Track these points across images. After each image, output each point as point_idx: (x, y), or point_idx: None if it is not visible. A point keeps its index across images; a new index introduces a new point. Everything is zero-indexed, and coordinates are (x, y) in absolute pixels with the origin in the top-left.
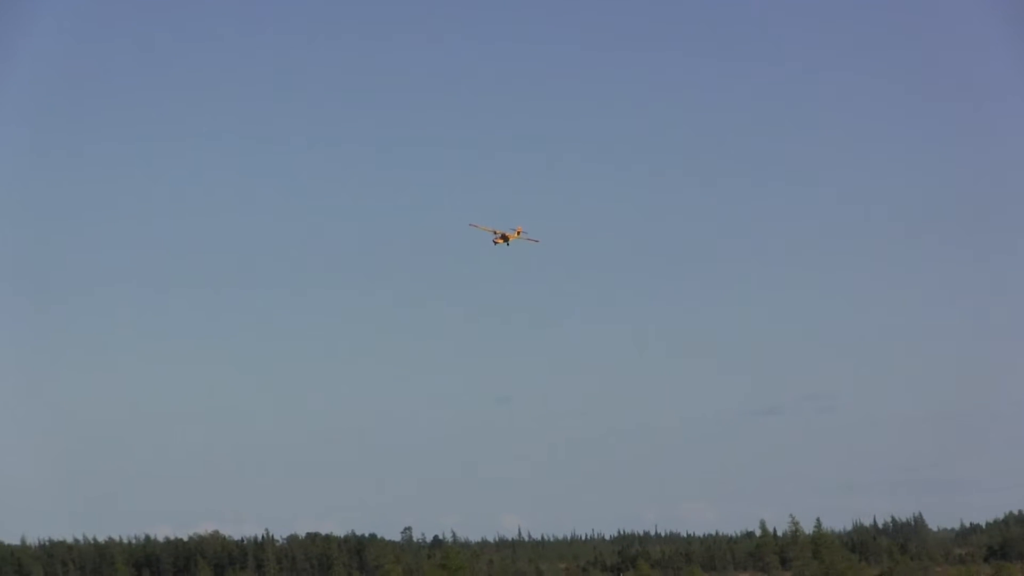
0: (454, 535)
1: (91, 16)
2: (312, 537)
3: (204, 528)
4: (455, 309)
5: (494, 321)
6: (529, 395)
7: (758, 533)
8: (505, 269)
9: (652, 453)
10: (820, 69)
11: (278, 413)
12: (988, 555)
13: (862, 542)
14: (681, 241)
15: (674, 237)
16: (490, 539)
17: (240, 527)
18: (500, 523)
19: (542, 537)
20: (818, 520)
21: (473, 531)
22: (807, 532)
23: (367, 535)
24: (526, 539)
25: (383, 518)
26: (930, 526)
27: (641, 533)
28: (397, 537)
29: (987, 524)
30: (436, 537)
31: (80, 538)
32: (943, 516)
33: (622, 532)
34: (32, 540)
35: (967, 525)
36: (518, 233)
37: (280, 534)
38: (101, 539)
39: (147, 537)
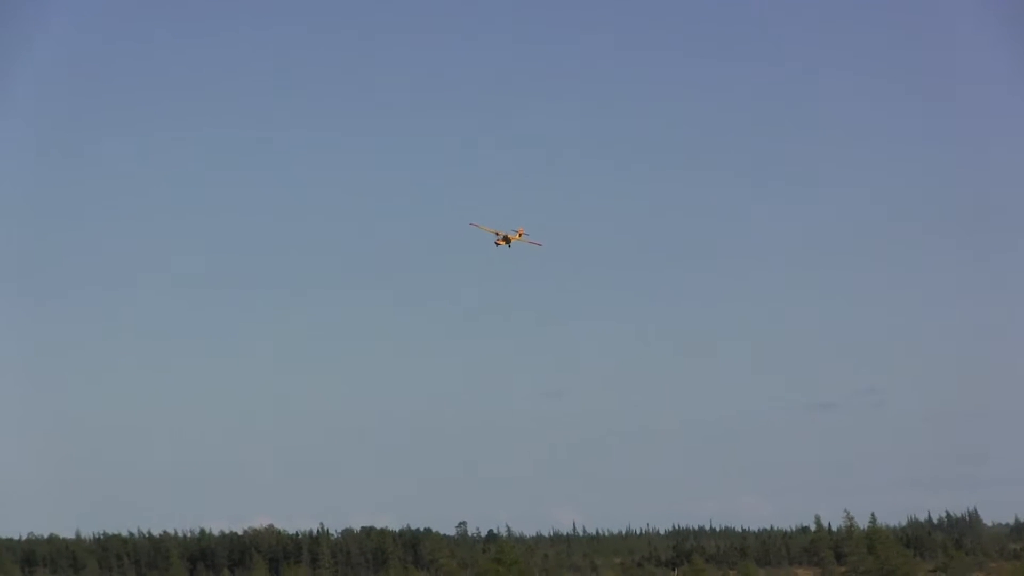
0: (509, 529)
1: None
2: (367, 531)
3: (259, 522)
4: (503, 303)
5: (539, 315)
6: (580, 389)
7: (813, 528)
8: (540, 263)
9: (707, 448)
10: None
11: (333, 407)
12: None
13: (917, 537)
14: (713, 238)
15: (705, 234)
16: (545, 534)
17: (295, 521)
18: (555, 518)
19: (597, 532)
20: (873, 515)
21: (528, 525)
22: (862, 527)
23: (422, 529)
24: (581, 534)
25: (438, 512)
26: (985, 521)
27: (696, 528)
28: (452, 531)
29: None
30: (491, 531)
31: (135, 532)
32: (998, 511)
33: (677, 527)
34: (87, 534)
35: (1022, 520)
36: (519, 235)
37: (335, 528)
38: (156, 533)
39: (202, 531)
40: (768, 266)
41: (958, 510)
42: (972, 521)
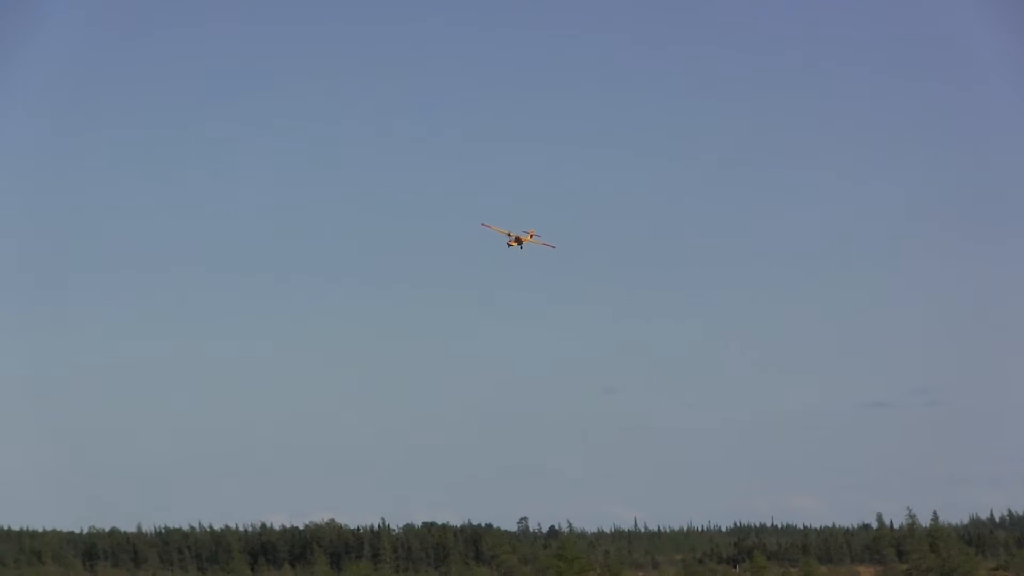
0: (570, 526)
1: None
2: (428, 526)
3: (320, 517)
4: (561, 298)
5: (597, 311)
6: (639, 386)
7: (875, 526)
8: (593, 262)
9: (768, 445)
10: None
11: (396, 403)
12: None
13: (979, 535)
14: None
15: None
16: (606, 530)
17: (356, 516)
18: (616, 514)
19: (658, 528)
20: (935, 513)
21: (589, 522)
22: (924, 525)
23: (483, 525)
24: (642, 530)
25: (499, 508)
26: None
27: (757, 525)
28: (513, 527)
29: None
30: (552, 527)
31: (196, 526)
32: None
33: (738, 524)
34: (148, 528)
35: None
36: (531, 236)
37: (396, 523)
38: (217, 527)
39: (263, 525)
40: (823, 262)
41: (1020, 508)
42: None
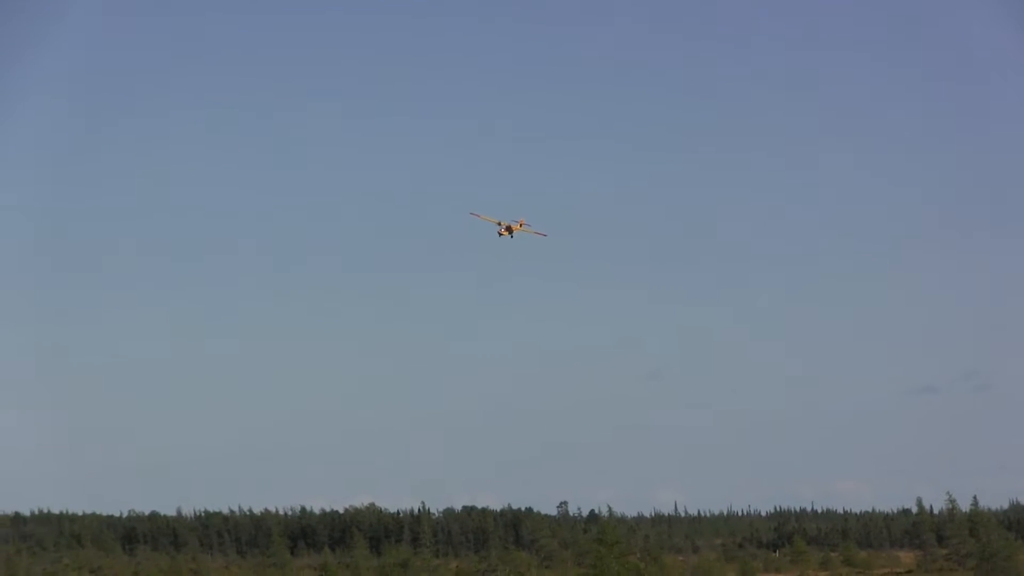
0: (610, 510)
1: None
2: (468, 510)
3: (360, 501)
4: (603, 283)
5: (645, 294)
6: (681, 371)
7: (914, 511)
8: (641, 247)
9: (809, 430)
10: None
11: (434, 387)
12: None
13: (1019, 520)
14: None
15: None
16: (646, 514)
17: (396, 500)
18: (656, 498)
19: (698, 513)
20: (975, 498)
21: (629, 506)
22: (963, 510)
23: (523, 509)
24: (682, 515)
25: (539, 492)
26: None
27: (797, 510)
28: (553, 511)
29: None
30: (592, 512)
31: (236, 509)
32: None
33: (778, 508)
34: (188, 511)
35: None
36: (520, 225)
37: (436, 507)
38: (257, 511)
39: (303, 509)
40: (869, 245)
41: None
42: None
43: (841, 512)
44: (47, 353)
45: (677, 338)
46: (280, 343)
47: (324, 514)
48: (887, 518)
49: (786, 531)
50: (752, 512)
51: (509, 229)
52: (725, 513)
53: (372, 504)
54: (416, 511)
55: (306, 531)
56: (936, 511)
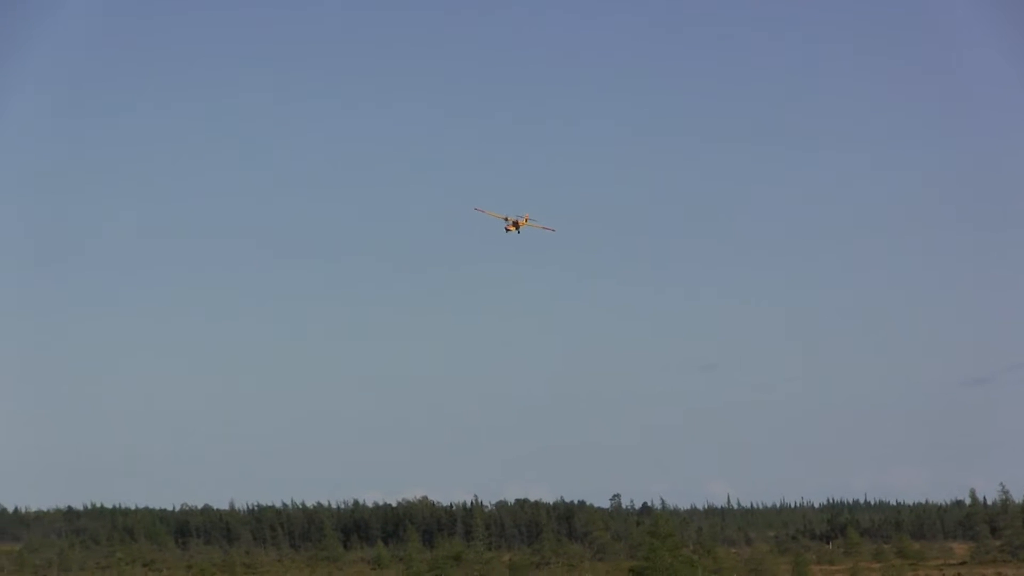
0: (663, 502)
1: None
2: (521, 503)
3: (413, 494)
4: (656, 276)
5: (692, 289)
6: (735, 363)
7: (968, 502)
8: (699, 240)
9: (862, 421)
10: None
11: (489, 381)
12: None
13: None
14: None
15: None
16: (699, 507)
17: (449, 493)
18: (709, 491)
19: (751, 505)
20: None
21: (682, 499)
22: (1017, 501)
23: (576, 502)
24: (735, 507)
25: (592, 485)
26: None
27: (850, 501)
28: (606, 504)
29: None
30: (645, 504)
31: (289, 503)
32: None
33: (831, 500)
34: (241, 505)
35: None
36: (526, 220)
37: (489, 500)
38: (310, 504)
39: (356, 502)
40: (920, 237)
41: None
42: None
43: (894, 504)
44: (96, 350)
45: (729, 330)
46: (335, 340)
47: (377, 508)
48: (940, 509)
49: (839, 523)
50: (805, 504)
51: (516, 224)
52: (778, 505)
53: (425, 497)
54: (469, 504)
55: (359, 525)
56: (989, 502)
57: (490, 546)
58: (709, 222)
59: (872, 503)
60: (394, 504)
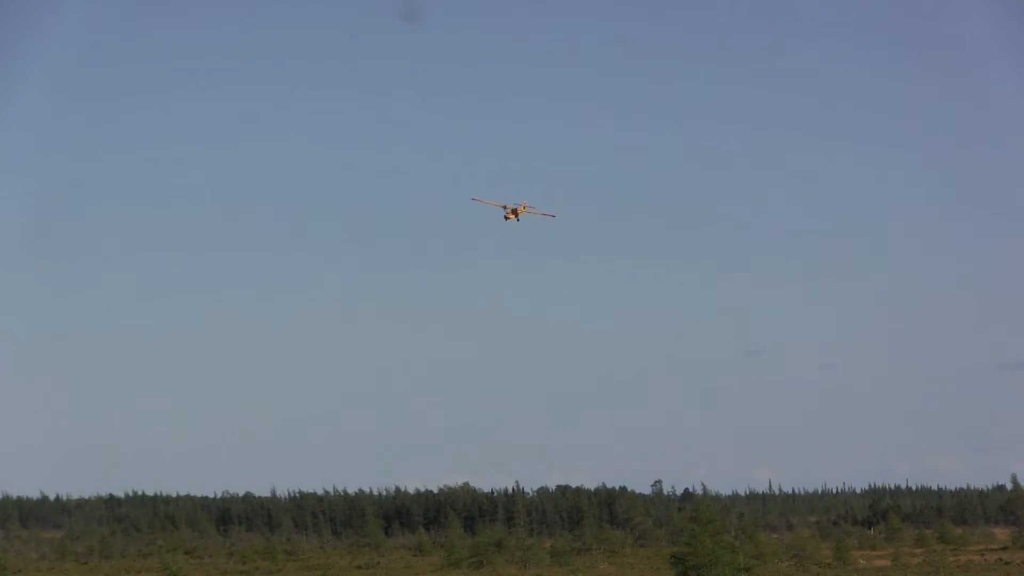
0: (704, 488)
1: None
2: (562, 490)
3: (454, 480)
4: (703, 262)
5: (740, 276)
6: (779, 348)
7: (1009, 487)
8: (740, 227)
9: (903, 406)
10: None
11: (528, 367)
12: None
13: None
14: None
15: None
16: (741, 492)
17: (490, 479)
18: (751, 476)
19: (793, 490)
20: None
21: (723, 484)
22: None
23: (617, 488)
24: (776, 493)
25: (634, 471)
26: None
27: (892, 487)
28: (647, 490)
29: None
30: (686, 490)
31: (330, 490)
32: None
33: (873, 486)
34: (282, 492)
35: None
36: (524, 207)
37: (530, 487)
38: (351, 491)
39: (397, 489)
40: (955, 222)
41: None
42: None
43: (936, 489)
44: (138, 337)
45: (772, 316)
46: (375, 321)
47: (418, 494)
48: (982, 495)
49: (881, 508)
50: (847, 489)
51: (515, 212)
52: (820, 491)
53: (466, 484)
54: (510, 490)
55: (400, 511)
56: None
57: (531, 532)
58: (748, 208)
59: (914, 488)
60: (435, 491)
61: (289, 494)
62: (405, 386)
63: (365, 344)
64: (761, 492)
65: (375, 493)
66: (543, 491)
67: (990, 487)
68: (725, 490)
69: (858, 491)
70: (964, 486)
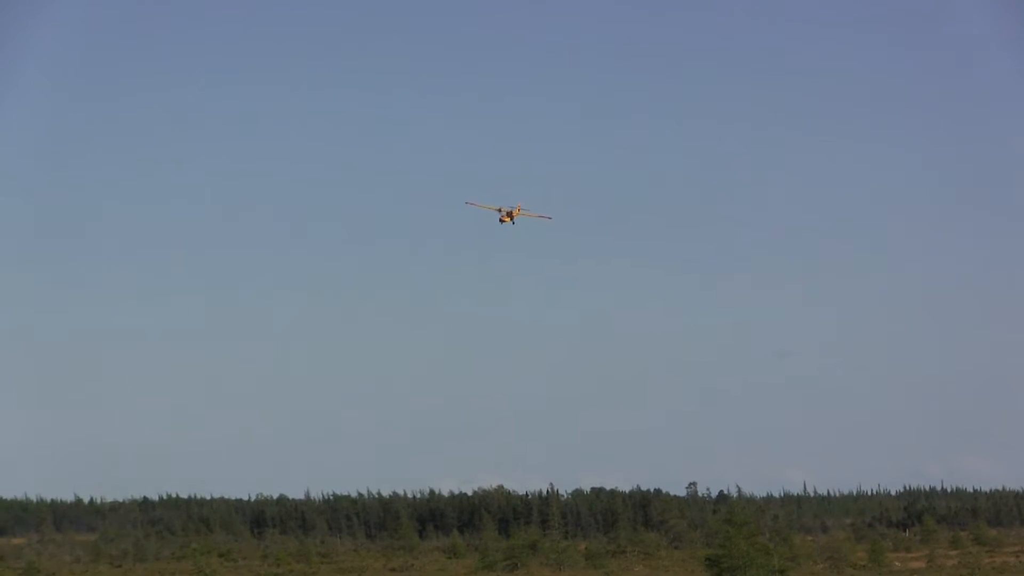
0: (739, 490)
1: None
2: (597, 492)
3: (489, 483)
4: (733, 263)
5: (767, 276)
6: (811, 349)
7: None
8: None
9: (938, 407)
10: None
11: (561, 368)
12: None
13: None
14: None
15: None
16: (775, 494)
17: (525, 482)
18: (785, 478)
19: (827, 492)
20: None
21: (758, 486)
22: None
23: (652, 490)
24: (811, 494)
25: (668, 473)
26: None
27: (927, 488)
28: (682, 492)
29: None
30: (721, 492)
31: (364, 493)
32: None
33: (908, 487)
34: (316, 495)
35: None
36: (519, 210)
37: (565, 489)
38: (385, 494)
39: (431, 492)
40: (985, 220)
41: None
42: None
43: (971, 491)
44: (172, 339)
45: (804, 317)
46: (409, 325)
47: (453, 497)
48: (1017, 496)
49: (916, 510)
50: (881, 491)
51: (510, 215)
52: (854, 492)
53: (501, 486)
54: (545, 493)
55: (435, 514)
56: None
57: (566, 535)
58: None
59: (949, 490)
60: (470, 493)
61: (323, 496)
62: (440, 388)
63: (398, 347)
64: (796, 494)
65: (409, 495)
66: (577, 493)
67: None
68: (760, 492)
69: (893, 493)
70: (999, 487)
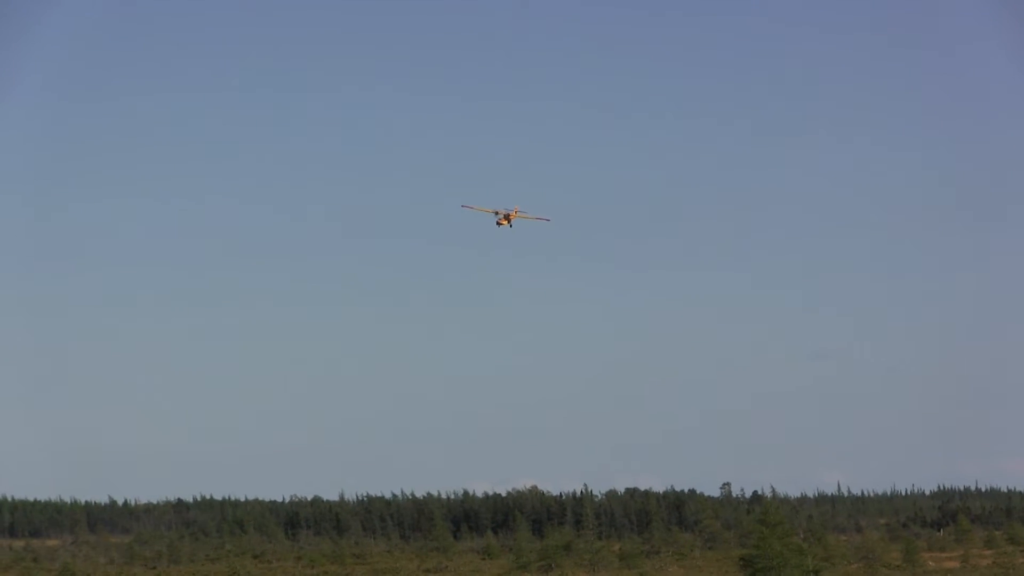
0: (773, 491)
1: None
2: (631, 492)
3: (523, 484)
4: (773, 267)
5: (803, 277)
6: (846, 350)
7: None
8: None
9: (972, 407)
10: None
11: (596, 369)
12: None
13: None
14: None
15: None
16: (809, 494)
17: (559, 483)
18: (820, 478)
19: (862, 492)
20: None
21: (792, 486)
22: None
23: (686, 491)
24: (845, 494)
25: (702, 474)
26: None
27: (962, 488)
28: (716, 493)
29: None
30: (755, 492)
31: (398, 494)
32: None
33: (942, 487)
34: (350, 496)
35: None
36: (516, 212)
37: (599, 490)
38: (420, 495)
39: (465, 492)
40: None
41: None
42: None
43: (1005, 490)
44: (202, 342)
45: (840, 318)
46: (442, 325)
47: (487, 497)
48: None
49: (950, 510)
50: (916, 491)
51: (507, 218)
52: (889, 493)
53: (535, 487)
54: (579, 493)
55: (468, 515)
56: None
57: (600, 535)
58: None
59: (983, 490)
60: (504, 494)
61: (357, 498)
62: (474, 389)
63: (434, 348)
64: (830, 494)
65: (443, 496)
66: (611, 494)
67: None
68: (794, 492)
69: (927, 493)
70: None
